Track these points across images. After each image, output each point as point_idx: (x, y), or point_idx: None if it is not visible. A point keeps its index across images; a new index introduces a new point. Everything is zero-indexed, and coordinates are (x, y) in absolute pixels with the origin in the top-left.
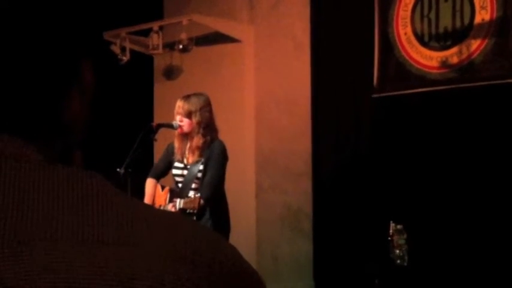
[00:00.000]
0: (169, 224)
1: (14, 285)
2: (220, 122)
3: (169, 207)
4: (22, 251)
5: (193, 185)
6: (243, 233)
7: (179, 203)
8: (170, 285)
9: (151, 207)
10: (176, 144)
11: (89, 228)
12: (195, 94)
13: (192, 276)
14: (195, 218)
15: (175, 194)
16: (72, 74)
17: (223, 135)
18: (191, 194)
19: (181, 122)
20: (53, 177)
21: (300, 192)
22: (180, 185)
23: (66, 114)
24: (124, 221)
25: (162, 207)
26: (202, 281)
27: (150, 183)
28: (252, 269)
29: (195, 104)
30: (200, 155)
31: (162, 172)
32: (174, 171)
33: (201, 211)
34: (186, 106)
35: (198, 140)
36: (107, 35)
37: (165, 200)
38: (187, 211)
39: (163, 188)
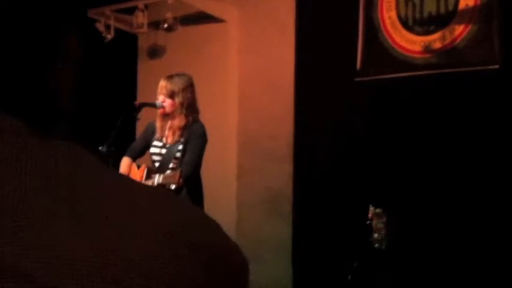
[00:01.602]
0: (151, 198)
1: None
2: (203, 103)
3: (148, 182)
4: None
5: (171, 165)
6: (224, 215)
7: (158, 178)
8: (151, 261)
9: (133, 181)
10: (158, 124)
11: (62, 204)
12: (178, 74)
13: (176, 252)
14: None
15: (152, 172)
16: (55, 45)
17: (206, 116)
18: (168, 172)
19: (164, 102)
20: (29, 147)
21: (281, 175)
22: (157, 164)
23: (49, 86)
24: (103, 195)
25: None
26: (185, 257)
27: (125, 161)
28: (235, 245)
29: (177, 84)
30: (180, 135)
31: (140, 151)
32: (152, 150)
33: (180, 187)
34: (169, 86)
35: (179, 120)
36: (92, 13)
37: (141, 177)
38: (167, 185)
39: (139, 166)
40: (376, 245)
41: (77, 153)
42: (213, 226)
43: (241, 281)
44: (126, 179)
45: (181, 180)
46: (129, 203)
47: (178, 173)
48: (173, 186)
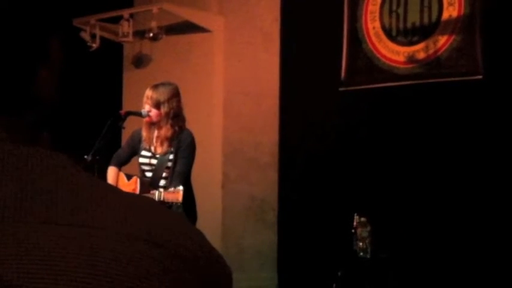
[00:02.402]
0: (135, 207)
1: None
2: (188, 112)
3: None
4: None
5: (164, 174)
6: (209, 223)
7: (158, 194)
8: (135, 267)
9: (118, 190)
10: (144, 133)
11: (41, 209)
12: (163, 84)
13: (158, 258)
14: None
15: (146, 184)
16: (40, 52)
17: (191, 125)
18: (162, 183)
19: (150, 112)
20: (13, 155)
21: (266, 183)
22: (147, 174)
23: (33, 92)
24: (83, 202)
25: None
26: (167, 264)
27: (112, 170)
28: (218, 255)
29: (163, 94)
30: (169, 145)
31: (125, 160)
32: (141, 160)
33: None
34: (155, 96)
35: (166, 131)
36: (77, 22)
37: (134, 190)
38: (170, 203)
39: (129, 177)
40: (361, 254)
41: (53, 161)
42: (197, 236)
43: None
44: (107, 186)
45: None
46: (108, 211)
47: (180, 191)
48: (177, 203)
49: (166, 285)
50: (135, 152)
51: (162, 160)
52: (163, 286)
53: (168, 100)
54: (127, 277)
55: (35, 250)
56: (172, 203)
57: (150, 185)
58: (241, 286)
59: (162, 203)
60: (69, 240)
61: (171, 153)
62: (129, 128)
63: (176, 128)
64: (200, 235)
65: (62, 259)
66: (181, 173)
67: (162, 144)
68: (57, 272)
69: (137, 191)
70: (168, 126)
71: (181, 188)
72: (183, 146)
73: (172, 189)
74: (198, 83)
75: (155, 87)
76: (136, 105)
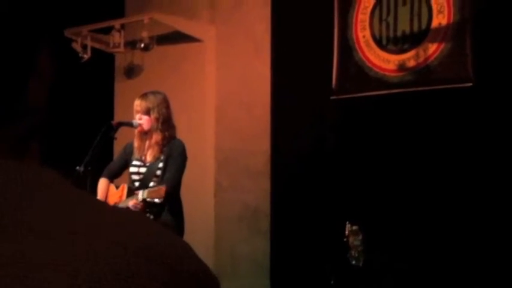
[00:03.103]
0: (118, 219)
1: None
2: (180, 121)
3: (130, 203)
4: None
5: (152, 183)
6: (202, 231)
7: (142, 193)
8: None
9: (103, 203)
10: (136, 143)
11: (21, 219)
12: (152, 92)
13: (141, 268)
14: (152, 216)
15: (132, 191)
16: (29, 64)
17: (184, 134)
18: (153, 187)
19: (141, 119)
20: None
21: (259, 191)
22: (136, 183)
23: (21, 105)
24: (71, 217)
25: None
26: (153, 277)
27: (103, 182)
28: (204, 265)
29: (152, 101)
30: (159, 152)
31: (117, 172)
32: (132, 169)
33: (162, 207)
34: (144, 103)
35: (156, 136)
36: (68, 33)
37: (121, 196)
38: (153, 201)
39: (117, 187)
40: (353, 262)
41: (41, 176)
42: (183, 247)
43: None
44: (96, 202)
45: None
46: (92, 222)
47: (163, 188)
48: (157, 201)
49: None
50: (127, 164)
51: (151, 168)
52: None
53: (157, 106)
54: None
55: (20, 261)
56: (154, 200)
57: (137, 190)
58: None
59: (145, 201)
60: (54, 252)
61: (161, 161)
62: (121, 138)
63: (166, 134)
64: (187, 247)
65: (46, 270)
66: (170, 181)
67: (152, 151)
68: (37, 282)
69: (123, 198)
70: (158, 131)
71: (163, 186)
72: (174, 155)
73: (155, 188)
74: (190, 92)
75: (144, 95)
76: (128, 115)
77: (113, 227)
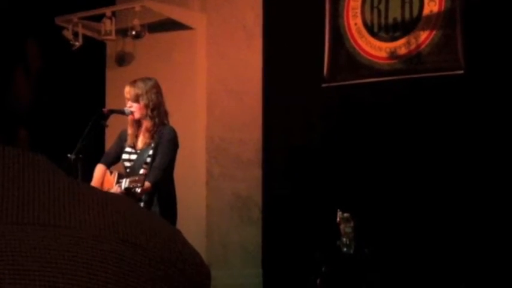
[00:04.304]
0: (112, 207)
1: None
2: (171, 110)
3: (115, 188)
4: None
5: (142, 170)
6: (193, 220)
7: (125, 182)
8: (113, 269)
9: (96, 190)
10: (129, 131)
11: (10, 209)
12: (141, 79)
13: (134, 259)
14: (143, 204)
15: (122, 177)
16: (16, 55)
17: (175, 123)
18: (135, 176)
19: (131, 107)
20: None
21: (250, 180)
22: (128, 170)
23: (9, 96)
24: (55, 201)
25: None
26: (143, 265)
27: (99, 168)
28: (196, 253)
29: (141, 87)
30: (150, 138)
31: (113, 159)
32: (124, 156)
33: (147, 191)
34: (133, 91)
35: (147, 123)
36: (59, 20)
37: (113, 183)
38: (133, 189)
39: (111, 172)
40: (345, 249)
41: (33, 162)
42: (174, 233)
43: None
44: (87, 188)
45: (146, 183)
46: (86, 214)
47: (142, 177)
48: (138, 190)
49: (136, 275)
50: (122, 151)
51: (141, 155)
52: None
53: (147, 92)
54: (98, 281)
55: (4, 251)
56: (134, 188)
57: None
58: (226, 283)
59: (127, 189)
60: (42, 242)
61: (151, 148)
62: (112, 126)
63: (156, 120)
64: (179, 234)
65: (31, 260)
66: (158, 168)
67: (143, 138)
68: (23, 272)
69: (114, 184)
70: (148, 118)
71: (142, 176)
72: (164, 141)
73: (136, 177)
74: (181, 80)
75: (133, 82)
76: (119, 103)
77: (98, 218)
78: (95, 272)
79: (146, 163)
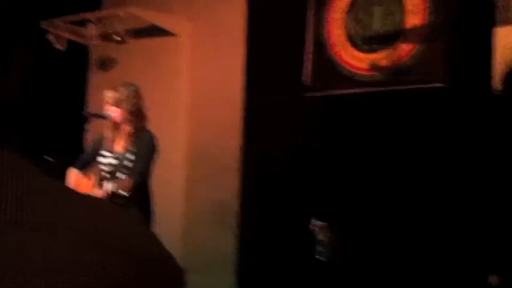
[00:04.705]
0: (88, 208)
1: None
2: (153, 115)
3: (97, 191)
4: None
5: (120, 174)
6: (170, 225)
7: (108, 185)
8: (83, 270)
9: (73, 192)
10: (107, 135)
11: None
12: (123, 84)
13: (108, 261)
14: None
15: (102, 181)
16: (4, 54)
17: (156, 128)
18: (121, 179)
19: (112, 112)
20: None
21: (229, 187)
22: (105, 174)
23: None
24: (41, 204)
25: None
26: (116, 266)
27: (72, 172)
28: (170, 255)
29: (123, 92)
30: (129, 143)
31: (88, 163)
32: (101, 160)
33: (128, 198)
34: (115, 95)
35: (127, 128)
36: (44, 24)
37: (89, 187)
38: (119, 192)
39: (88, 177)
40: (319, 257)
41: (15, 163)
42: (149, 235)
43: None
44: (67, 189)
45: (131, 188)
46: (66, 216)
47: (130, 180)
48: (123, 193)
49: (108, 277)
50: (96, 156)
51: (120, 159)
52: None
53: (128, 98)
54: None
55: None
56: (120, 193)
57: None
58: None
59: (113, 193)
60: (21, 243)
61: (131, 152)
62: (92, 130)
63: (136, 125)
64: (153, 236)
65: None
66: (137, 173)
67: (122, 142)
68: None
69: (92, 189)
70: (129, 123)
71: (130, 179)
72: (143, 147)
73: (122, 180)
74: (164, 86)
75: (115, 87)
76: (100, 107)
77: (79, 219)
78: (74, 273)
79: (125, 167)
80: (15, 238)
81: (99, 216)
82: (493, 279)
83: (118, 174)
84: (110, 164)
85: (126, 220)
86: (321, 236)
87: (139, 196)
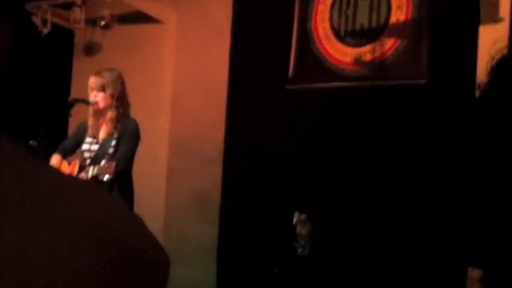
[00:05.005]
0: (75, 191)
1: None
2: (136, 102)
3: (81, 174)
4: None
5: (103, 161)
6: (151, 215)
7: (93, 169)
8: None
9: (60, 176)
10: (90, 121)
11: None
12: (107, 69)
13: (105, 260)
14: None
15: (84, 167)
16: None
17: (139, 116)
18: (104, 163)
19: (96, 97)
20: None
21: (210, 178)
22: (88, 160)
23: None
24: (20, 187)
25: None
26: (103, 251)
27: (55, 158)
28: (157, 242)
29: (107, 77)
30: (113, 129)
31: (71, 149)
32: (84, 146)
33: (111, 184)
34: (99, 80)
35: (111, 113)
36: (29, 6)
37: (73, 172)
38: (102, 177)
39: (70, 163)
40: (299, 251)
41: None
42: (136, 221)
43: (161, 276)
44: (49, 169)
45: (115, 171)
46: (49, 196)
47: (113, 164)
48: (107, 177)
49: (113, 281)
50: (80, 142)
51: (103, 145)
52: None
53: (112, 82)
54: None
55: None
56: (103, 176)
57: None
58: (180, 279)
59: (95, 177)
60: (21, 243)
61: (114, 139)
62: (76, 116)
63: (120, 111)
64: (139, 222)
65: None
66: (121, 159)
67: (105, 128)
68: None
69: (75, 173)
70: (113, 108)
71: (114, 163)
72: (127, 133)
73: (105, 164)
74: (148, 73)
75: (98, 72)
76: (84, 93)
77: (63, 204)
78: (73, 273)
79: (108, 153)
80: (15, 237)
81: (94, 211)
82: (474, 273)
83: (101, 161)
84: (92, 150)
85: (110, 205)
86: (301, 230)
87: (121, 183)
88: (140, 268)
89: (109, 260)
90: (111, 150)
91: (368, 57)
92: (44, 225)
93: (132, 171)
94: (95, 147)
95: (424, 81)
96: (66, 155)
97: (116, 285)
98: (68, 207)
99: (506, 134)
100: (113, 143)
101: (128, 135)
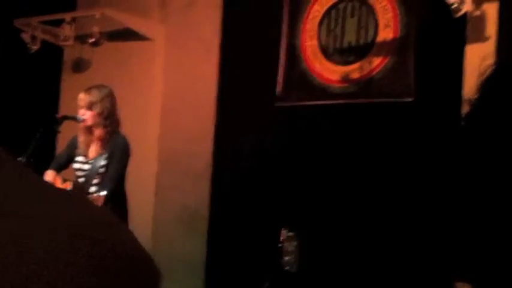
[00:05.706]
0: (66, 201)
1: None
2: (125, 119)
3: None
4: None
5: (95, 180)
6: (139, 230)
7: None
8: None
9: (49, 184)
10: (80, 138)
11: None
12: (96, 86)
13: (97, 256)
14: None
15: (78, 187)
16: None
17: (128, 132)
18: (93, 189)
19: (84, 115)
20: None
21: (199, 193)
22: (81, 179)
23: None
24: (18, 195)
25: None
26: (96, 259)
27: (49, 174)
28: (149, 255)
29: (95, 95)
30: (102, 147)
31: (63, 164)
32: (75, 165)
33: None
34: (88, 98)
35: (100, 132)
36: (18, 23)
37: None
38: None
39: (65, 180)
40: (287, 268)
41: None
42: (127, 233)
43: None
44: (44, 182)
45: (102, 198)
46: (44, 206)
47: (102, 197)
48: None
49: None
50: (72, 158)
51: (94, 165)
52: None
53: (101, 100)
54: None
55: None
56: None
57: (80, 189)
58: None
59: None
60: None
61: (105, 158)
62: (65, 132)
63: (109, 129)
64: (132, 235)
65: None
66: (112, 179)
67: (95, 147)
68: None
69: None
70: (101, 126)
71: (103, 193)
72: (117, 151)
73: (95, 194)
74: (137, 90)
75: (88, 90)
76: (73, 109)
77: (49, 209)
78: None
79: (99, 173)
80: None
81: (70, 208)
82: (460, 287)
83: (92, 180)
84: (83, 170)
85: (107, 217)
86: (288, 246)
87: (115, 200)
88: (130, 278)
89: (103, 267)
90: (102, 170)
91: (356, 74)
92: (35, 226)
93: (125, 188)
94: (86, 166)
95: (411, 98)
96: (59, 169)
97: None
98: (59, 211)
99: (494, 151)
100: (103, 162)
101: (118, 153)
